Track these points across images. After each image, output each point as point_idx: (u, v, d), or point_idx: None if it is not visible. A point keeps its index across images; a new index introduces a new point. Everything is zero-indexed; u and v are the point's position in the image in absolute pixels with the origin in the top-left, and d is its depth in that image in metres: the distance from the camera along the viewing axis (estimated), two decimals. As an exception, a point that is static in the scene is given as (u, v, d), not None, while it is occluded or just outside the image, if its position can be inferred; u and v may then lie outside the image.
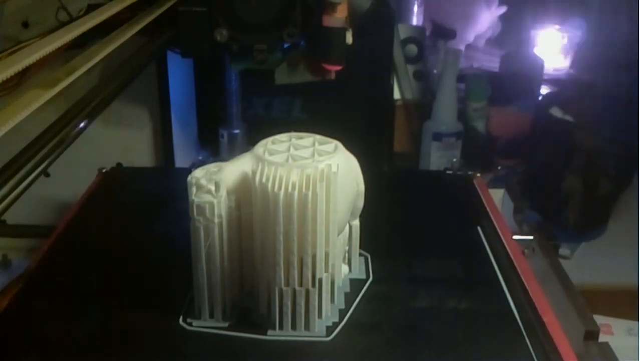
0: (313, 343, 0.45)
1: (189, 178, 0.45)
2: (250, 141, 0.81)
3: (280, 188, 0.43)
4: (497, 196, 0.73)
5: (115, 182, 0.69)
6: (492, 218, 0.61)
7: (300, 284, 0.45)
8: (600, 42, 1.12)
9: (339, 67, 0.67)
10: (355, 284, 0.51)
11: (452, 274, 0.53)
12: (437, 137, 0.97)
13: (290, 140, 0.49)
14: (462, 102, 0.99)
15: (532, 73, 1.09)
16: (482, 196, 0.65)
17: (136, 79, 0.76)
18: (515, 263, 0.54)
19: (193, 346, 0.45)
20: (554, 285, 0.62)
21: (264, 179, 0.44)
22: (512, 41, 1.19)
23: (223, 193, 0.45)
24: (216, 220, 0.45)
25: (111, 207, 0.65)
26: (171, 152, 0.81)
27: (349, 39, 0.65)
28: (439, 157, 0.98)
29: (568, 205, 0.85)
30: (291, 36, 0.65)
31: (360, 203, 0.51)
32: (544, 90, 1.07)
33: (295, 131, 0.50)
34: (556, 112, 0.89)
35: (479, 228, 0.59)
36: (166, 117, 0.82)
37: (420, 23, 1.15)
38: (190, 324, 0.47)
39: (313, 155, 0.47)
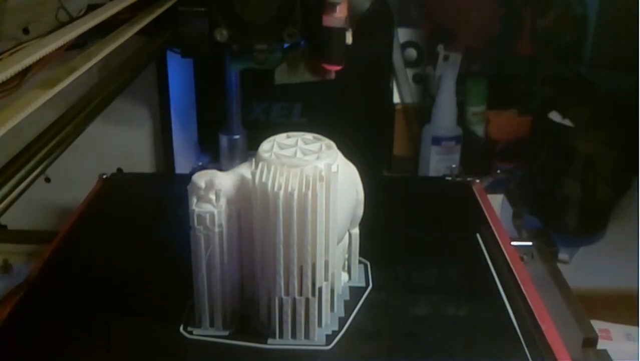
0: (313, 352, 0.46)
1: (189, 187, 0.45)
2: (250, 146, 0.81)
3: (280, 187, 0.43)
4: (497, 201, 0.73)
5: (115, 188, 0.69)
6: (491, 225, 0.61)
7: (300, 294, 0.46)
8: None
9: (339, 67, 0.67)
10: (355, 292, 0.52)
11: (451, 281, 0.54)
12: (437, 141, 0.97)
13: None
14: (461, 106, 1.00)
15: (532, 76, 1.09)
16: (481, 203, 0.66)
17: (136, 80, 0.76)
18: (514, 271, 0.55)
19: (193, 355, 0.46)
20: (553, 291, 0.62)
21: (263, 179, 0.44)
22: (512, 43, 1.18)
23: (223, 202, 0.45)
24: (216, 229, 0.45)
25: (112, 214, 0.65)
26: (171, 157, 0.81)
27: (349, 39, 0.66)
28: (438, 161, 0.98)
29: (567, 210, 0.86)
30: (291, 36, 0.65)
31: (360, 211, 0.51)
32: (544, 93, 1.07)
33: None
34: (555, 116, 0.89)
35: (478, 235, 0.59)
36: (166, 122, 0.82)
37: (419, 26, 1.15)
38: (190, 332, 0.47)
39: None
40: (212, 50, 0.66)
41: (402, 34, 1.02)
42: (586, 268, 0.83)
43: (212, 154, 0.87)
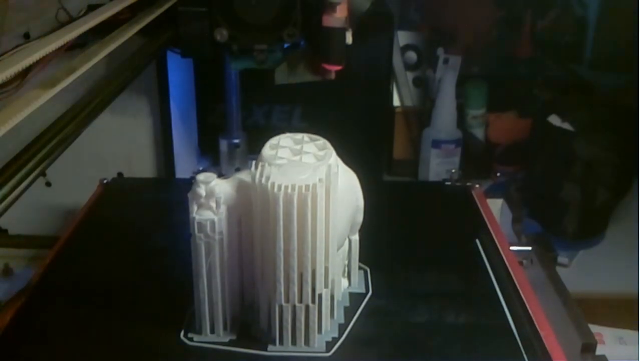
0: (313, 359, 0.46)
1: (189, 194, 0.45)
2: (250, 150, 0.81)
3: (280, 188, 0.43)
4: (496, 206, 0.74)
5: (116, 193, 0.69)
6: (491, 230, 0.62)
7: (300, 301, 0.46)
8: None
9: (339, 67, 0.67)
10: (355, 298, 0.52)
11: (450, 288, 0.54)
12: (437, 144, 0.97)
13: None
14: (461, 109, 1.00)
15: (532, 78, 1.09)
16: (480, 208, 0.66)
17: (137, 83, 0.76)
18: (514, 277, 0.55)
19: (194, 362, 0.46)
20: (552, 296, 0.63)
21: (263, 180, 0.44)
22: (512, 45, 1.18)
23: (224, 209, 0.45)
24: (217, 237, 0.46)
25: (112, 220, 0.65)
26: (172, 161, 0.81)
27: (349, 39, 0.66)
28: (438, 164, 0.98)
29: (566, 214, 0.86)
30: (291, 36, 0.66)
31: (360, 218, 0.52)
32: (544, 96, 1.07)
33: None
34: (555, 120, 0.89)
35: (477, 241, 0.60)
36: (167, 125, 0.82)
37: (419, 29, 1.15)
38: (191, 339, 0.48)
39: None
40: (212, 50, 0.67)
41: (402, 37, 1.03)
42: (585, 271, 0.83)
43: (212, 157, 0.87)
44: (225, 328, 0.48)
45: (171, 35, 0.66)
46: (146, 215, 0.65)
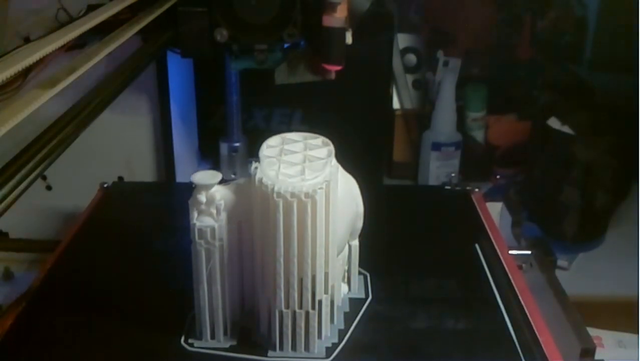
0: (313, 365, 0.46)
1: (190, 201, 0.45)
2: (250, 153, 0.81)
3: (279, 195, 0.43)
4: (496, 209, 0.74)
5: (116, 197, 0.69)
6: (490, 235, 0.62)
7: (300, 307, 0.46)
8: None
9: (339, 67, 0.67)
10: (355, 303, 0.52)
11: (450, 293, 0.54)
12: (436, 147, 0.97)
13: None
14: (461, 111, 1.00)
15: (532, 81, 1.09)
16: (480, 212, 0.66)
17: (137, 85, 0.76)
18: (513, 282, 0.55)
19: (194, 368, 0.46)
20: (551, 300, 0.63)
21: (263, 188, 0.44)
22: (512, 48, 1.19)
23: (224, 216, 0.46)
24: (217, 243, 0.46)
25: (113, 224, 0.65)
26: (172, 164, 0.82)
27: (349, 39, 0.66)
28: (438, 167, 0.98)
29: (566, 217, 0.86)
30: (291, 36, 0.66)
31: (360, 224, 0.52)
32: (544, 98, 1.07)
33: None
34: (554, 123, 0.89)
35: (476, 245, 0.60)
36: (167, 128, 0.82)
37: (419, 31, 1.16)
38: (191, 345, 0.48)
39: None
40: (212, 50, 0.67)
41: (402, 40, 1.03)
42: (585, 274, 0.83)
43: (212, 161, 0.87)
44: (225, 333, 0.48)
45: (171, 35, 0.66)
46: (147, 219, 0.66)
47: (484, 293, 0.53)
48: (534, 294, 0.58)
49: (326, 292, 0.47)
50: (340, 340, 0.48)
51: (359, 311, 0.51)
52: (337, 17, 0.63)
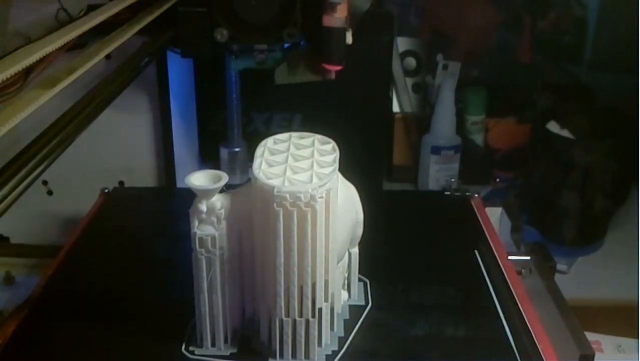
0: (313, 372, 0.46)
1: (190, 210, 0.46)
2: (251, 158, 0.82)
3: (280, 205, 0.44)
4: (495, 214, 0.74)
5: (117, 203, 0.70)
6: (490, 241, 0.62)
7: (301, 315, 0.46)
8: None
9: (339, 67, 0.67)
10: (355, 310, 0.52)
11: (449, 300, 0.54)
12: (436, 150, 0.98)
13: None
14: (460, 114, 1.00)
15: (531, 84, 1.09)
16: (479, 218, 0.66)
17: (137, 89, 0.77)
18: (512, 289, 0.55)
19: (195, 376, 0.47)
20: (550, 306, 0.63)
21: (264, 195, 0.44)
22: (511, 51, 1.19)
23: (224, 224, 0.46)
24: (218, 252, 0.46)
25: (113, 230, 0.65)
26: (172, 169, 0.82)
27: (349, 39, 0.66)
28: (437, 171, 0.99)
29: (565, 221, 0.86)
30: (291, 36, 0.66)
31: (359, 231, 0.52)
32: (543, 102, 1.07)
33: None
34: (553, 127, 0.89)
35: (476, 252, 0.60)
36: (167, 132, 0.82)
37: (418, 33, 1.16)
38: (192, 352, 0.48)
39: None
40: (212, 50, 0.67)
41: (402, 43, 1.03)
42: (584, 278, 0.84)
43: (213, 165, 0.87)
44: (226, 341, 0.49)
45: (171, 35, 0.66)
46: (148, 225, 0.66)
47: (483, 300, 0.54)
48: (533, 299, 0.58)
49: (326, 300, 0.47)
50: (340, 348, 0.48)
51: (359, 318, 0.51)
52: (337, 17, 0.63)
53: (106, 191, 0.71)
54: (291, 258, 0.45)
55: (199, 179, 0.46)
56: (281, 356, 0.47)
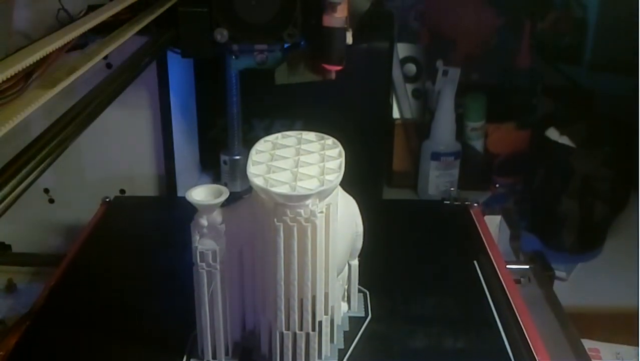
0: (313, 385, 0.47)
1: (192, 225, 0.46)
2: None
3: (280, 220, 0.44)
4: (494, 222, 0.74)
5: (118, 212, 0.70)
6: (489, 252, 0.62)
7: (301, 328, 0.47)
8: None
9: (339, 67, 0.67)
10: (354, 322, 0.53)
11: (448, 312, 0.54)
12: (436, 156, 0.98)
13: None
14: (460, 119, 1.00)
15: (531, 89, 1.10)
16: (479, 228, 0.66)
17: (137, 92, 0.76)
18: (511, 301, 0.55)
19: (196, 388, 0.47)
20: (549, 315, 0.63)
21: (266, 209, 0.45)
22: (511, 55, 1.19)
23: (225, 239, 0.46)
24: (218, 266, 0.46)
25: (115, 240, 0.66)
26: (173, 176, 0.82)
27: (349, 39, 0.66)
28: (437, 177, 0.99)
29: (565, 228, 0.86)
30: (291, 36, 0.66)
31: (359, 244, 0.52)
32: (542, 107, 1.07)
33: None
34: (553, 133, 0.90)
35: (475, 262, 0.60)
36: (168, 139, 0.82)
37: (418, 37, 1.16)
38: (193, 365, 0.48)
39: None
40: (212, 50, 0.67)
41: (402, 50, 1.03)
42: (583, 285, 0.84)
43: (213, 173, 0.88)
44: (227, 354, 0.49)
45: (171, 36, 0.66)
46: (149, 235, 0.66)
47: (482, 312, 0.54)
48: (531, 307, 0.58)
49: (326, 313, 0.48)
50: (340, 360, 0.49)
51: (359, 330, 0.52)
52: (337, 17, 0.63)
53: (107, 200, 0.71)
54: (291, 272, 0.45)
55: (199, 194, 0.46)
56: (282, 368, 0.48)
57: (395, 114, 1.03)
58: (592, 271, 0.86)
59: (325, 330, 0.48)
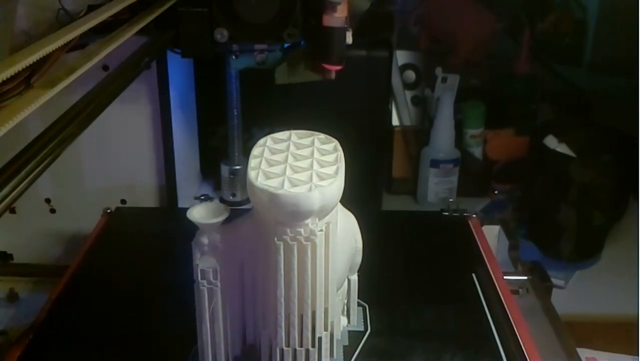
0: (313, 401, 0.47)
1: (193, 243, 0.47)
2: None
3: (280, 239, 0.45)
4: (493, 232, 0.75)
5: (119, 224, 0.70)
6: (487, 264, 0.63)
7: (301, 345, 0.47)
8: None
9: (339, 67, 0.67)
10: (354, 336, 0.53)
11: (446, 326, 0.55)
12: (435, 164, 0.99)
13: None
14: (459, 124, 1.01)
15: (530, 95, 1.10)
16: (477, 240, 0.67)
17: (137, 100, 0.76)
18: (509, 314, 0.56)
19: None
20: (546, 327, 0.64)
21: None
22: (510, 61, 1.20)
23: (226, 257, 0.47)
24: (219, 284, 0.47)
25: (117, 253, 0.66)
26: (174, 185, 0.82)
27: (349, 38, 0.66)
28: (436, 183, 1.00)
29: (563, 236, 0.87)
30: (291, 36, 0.66)
31: (359, 259, 0.53)
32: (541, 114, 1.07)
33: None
34: (551, 141, 0.90)
35: (473, 275, 0.61)
36: (169, 149, 0.83)
37: (417, 41, 1.16)
38: (194, 380, 0.49)
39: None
40: (212, 50, 0.67)
41: (401, 56, 1.04)
42: (581, 293, 0.85)
43: (214, 181, 0.88)
44: (228, 368, 0.50)
45: (171, 36, 0.66)
46: (150, 248, 0.67)
47: (480, 326, 0.55)
48: (529, 318, 0.59)
49: (326, 329, 0.48)
50: (340, 375, 0.49)
51: (358, 344, 0.52)
52: (338, 17, 0.63)
53: (108, 211, 0.72)
54: (291, 290, 0.46)
55: (200, 212, 0.46)
56: (282, 384, 0.48)
57: (395, 121, 1.03)
58: (590, 280, 0.87)
59: (325, 345, 0.48)
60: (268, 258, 0.45)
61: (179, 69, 0.80)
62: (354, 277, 0.54)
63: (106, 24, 0.53)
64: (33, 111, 0.41)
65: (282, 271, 0.45)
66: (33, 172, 0.42)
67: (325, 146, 0.51)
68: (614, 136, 0.88)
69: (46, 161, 0.44)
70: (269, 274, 0.46)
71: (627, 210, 0.92)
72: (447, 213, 0.71)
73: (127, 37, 0.55)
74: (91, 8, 0.57)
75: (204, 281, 0.47)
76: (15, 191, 0.40)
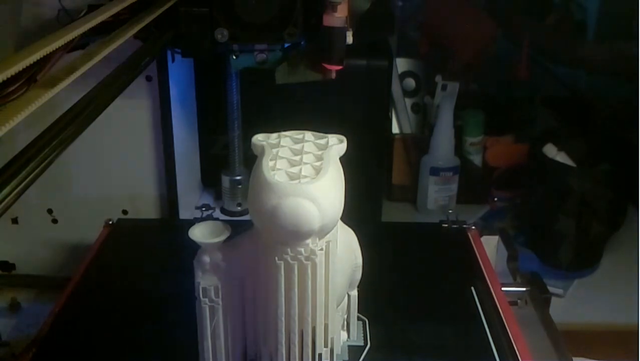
0: (313, 417, 0.48)
1: (195, 261, 0.47)
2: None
3: (281, 258, 0.45)
4: (492, 243, 0.75)
5: (121, 235, 0.71)
6: (486, 277, 0.63)
7: (301, 361, 0.48)
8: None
9: (339, 67, 0.68)
10: (354, 351, 0.54)
11: (445, 340, 0.55)
12: (435, 172, 0.99)
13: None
14: (458, 131, 1.01)
15: (529, 102, 1.10)
16: (476, 252, 0.67)
17: (138, 108, 0.77)
18: (507, 328, 0.56)
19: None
20: (544, 339, 0.65)
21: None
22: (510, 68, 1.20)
23: (228, 275, 0.47)
24: (221, 302, 0.47)
25: (119, 265, 0.67)
26: (175, 195, 0.83)
27: (350, 38, 0.67)
28: (436, 191, 1.00)
29: (561, 245, 0.87)
30: (292, 36, 0.66)
31: (358, 275, 0.53)
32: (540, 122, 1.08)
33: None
34: (550, 150, 0.90)
35: (472, 289, 0.61)
36: (170, 159, 0.83)
37: (417, 47, 1.17)
38: (196, 396, 0.50)
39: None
40: (212, 50, 0.68)
41: (401, 64, 1.04)
42: (580, 301, 0.85)
43: (215, 191, 0.89)
44: (229, 384, 0.50)
45: (171, 36, 0.67)
46: (152, 260, 0.67)
47: (479, 340, 0.55)
48: (527, 329, 0.59)
49: (326, 345, 0.49)
50: (340, 391, 0.50)
51: (358, 359, 0.53)
52: (338, 16, 0.64)
53: (110, 222, 0.72)
54: (292, 308, 0.46)
55: (202, 231, 0.47)
56: (282, 400, 0.49)
57: (395, 128, 1.04)
58: (589, 288, 0.87)
59: (326, 361, 0.49)
60: (269, 276, 0.46)
61: (179, 78, 0.80)
62: (354, 293, 0.54)
63: (106, 24, 0.53)
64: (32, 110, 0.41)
65: (283, 290, 0.46)
66: (30, 175, 0.41)
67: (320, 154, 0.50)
68: (613, 144, 0.88)
69: (45, 163, 0.43)
70: (270, 292, 0.46)
71: (626, 219, 0.92)
72: (446, 225, 0.72)
73: (127, 37, 0.54)
74: (91, 8, 0.57)
75: (206, 299, 0.47)
76: (11, 195, 0.39)
